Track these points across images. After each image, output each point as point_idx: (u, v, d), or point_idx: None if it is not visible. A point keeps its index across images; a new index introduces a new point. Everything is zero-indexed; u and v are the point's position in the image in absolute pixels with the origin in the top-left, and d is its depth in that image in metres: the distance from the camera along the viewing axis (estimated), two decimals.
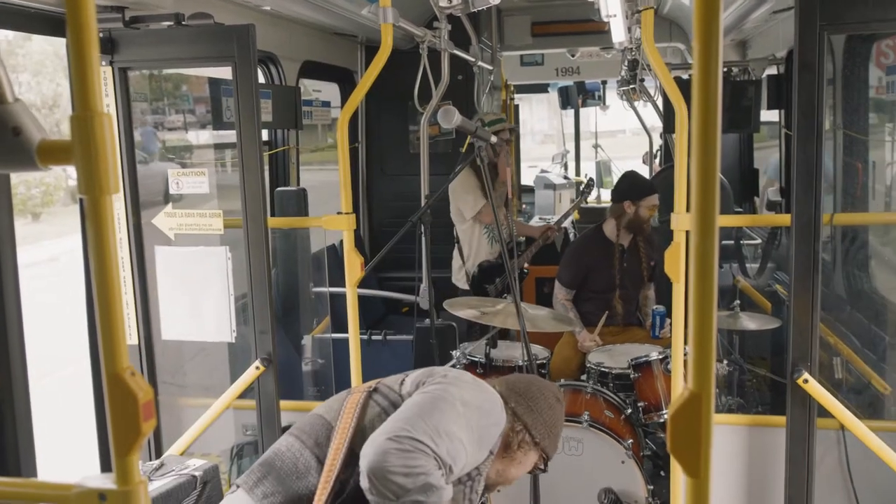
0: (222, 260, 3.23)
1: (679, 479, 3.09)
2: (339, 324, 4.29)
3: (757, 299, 4.92)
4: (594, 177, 9.15)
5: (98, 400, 3.25)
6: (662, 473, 3.78)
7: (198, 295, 3.29)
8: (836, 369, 3.55)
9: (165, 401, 3.53)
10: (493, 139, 3.32)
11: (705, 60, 0.72)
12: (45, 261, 11.70)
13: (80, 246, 3.19)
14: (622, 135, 19.72)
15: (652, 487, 3.41)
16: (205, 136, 4.71)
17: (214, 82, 4.17)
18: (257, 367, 3.18)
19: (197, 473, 2.65)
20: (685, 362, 3.03)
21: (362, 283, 3.38)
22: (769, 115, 5.65)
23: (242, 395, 3.26)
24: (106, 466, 3.26)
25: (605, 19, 3.81)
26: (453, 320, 3.90)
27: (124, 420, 0.82)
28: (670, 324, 4.06)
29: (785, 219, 3.17)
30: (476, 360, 3.78)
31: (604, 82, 10.09)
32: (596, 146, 11.26)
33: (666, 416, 3.70)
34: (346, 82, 5.86)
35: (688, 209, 2.95)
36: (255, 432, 3.35)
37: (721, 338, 4.34)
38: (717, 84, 0.72)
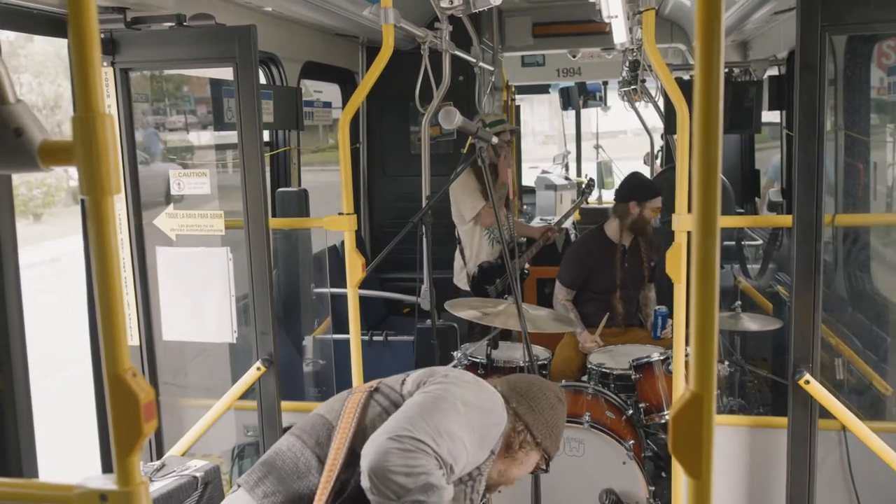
0: (223, 261, 3.23)
1: (680, 480, 3.09)
2: (341, 324, 4.28)
3: (758, 300, 4.91)
4: (595, 178, 9.14)
5: (99, 401, 3.26)
6: (664, 474, 3.78)
7: (199, 296, 3.29)
8: (838, 370, 3.54)
9: (167, 401, 3.53)
10: (495, 140, 3.32)
11: (707, 61, 0.72)
12: (47, 261, 11.70)
13: (82, 247, 3.20)
14: (623, 135, 19.71)
15: (653, 488, 3.41)
16: (206, 137, 4.72)
17: (216, 83, 4.17)
18: (258, 368, 3.18)
19: (198, 474, 2.65)
20: (686, 363, 3.04)
21: (363, 284, 3.38)
22: (770, 116, 5.65)
23: (243, 396, 3.26)
24: (107, 467, 3.26)
25: (607, 20, 3.80)
26: (454, 321, 3.90)
27: (126, 421, 0.82)
28: (671, 324, 4.05)
29: (786, 220, 3.17)
30: (477, 360, 3.79)
31: (605, 83, 10.08)
32: (597, 147, 11.25)
33: (667, 417, 3.69)
34: (348, 83, 5.86)
35: (689, 210, 2.95)
36: (257, 433, 3.35)
37: (722, 339, 4.34)
38: (718, 85, 0.72)
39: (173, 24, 3.05)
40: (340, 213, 3.27)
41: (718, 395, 4.00)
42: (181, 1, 3.22)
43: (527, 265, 5.09)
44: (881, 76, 4.11)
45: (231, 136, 3.97)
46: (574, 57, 7.92)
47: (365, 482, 1.89)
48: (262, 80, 4.55)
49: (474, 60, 5.58)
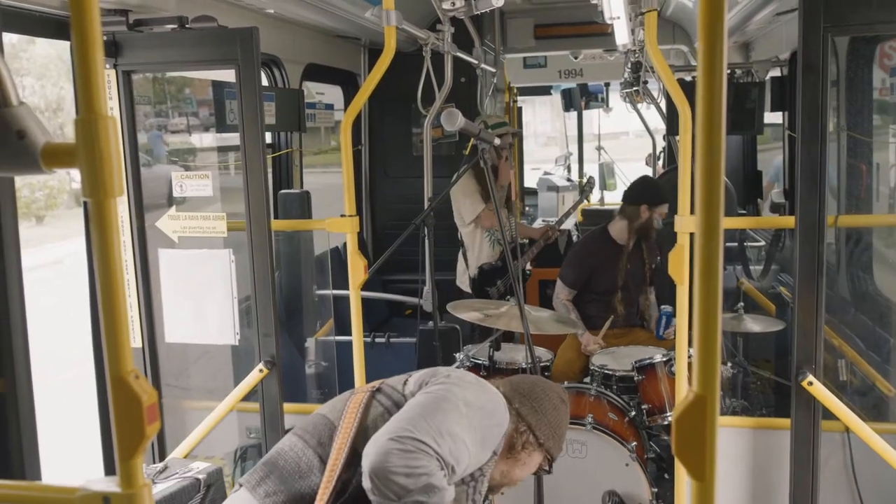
0: (226, 263, 3.23)
1: (683, 482, 3.09)
2: (343, 326, 4.29)
3: (761, 301, 4.91)
4: (596, 178, 9.13)
5: (102, 403, 3.26)
6: (666, 476, 3.78)
7: (201, 298, 3.29)
8: (841, 371, 3.53)
9: (169, 403, 3.53)
10: (497, 141, 3.32)
11: (710, 62, 0.72)
12: (49, 264, 11.72)
13: (84, 249, 3.20)
14: (625, 137, 19.72)
15: (656, 490, 3.41)
16: (208, 139, 4.72)
17: (218, 85, 4.17)
18: (261, 370, 3.18)
19: (201, 476, 2.65)
20: (689, 365, 3.03)
21: (365, 286, 3.38)
22: (773, 117, 5.64)
23: (246, 398, 3.26)
24: (110, 469, 3.26)
25: (609, 21, 3.80)
26: (457, 323, 3.90)
27: (128, 423, 0.82)
28: (676, 324, 4.05)
29: (789, 221, 3.16)
30: (479, 362, 3.78)
31: (607, 84, 10.08)
32: (599, 148, 11.25)
33: (670, 419, 3.70)
34: (350, 85, 5.86)
35: (692, 211, 2.95)
36: (259, 435, 3.35)
37: (725, 340, 4.33)
38: (721, 86, 0.72)
39: (175, 26, 3.05)
40: (342, 215, 3.27)
41: (721, 397, 4.00)
42: (183, 3, 3.23)
43: (528, 266, 5.09)
44: (883, 77, 4.11)
45: (233, 138, 3.97)
46: (576, 58, 7.91)
47: (366, 482, 1.89)
48: (265, 82, 4.56)
49: (476, 62, 5.58)
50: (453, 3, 3.73)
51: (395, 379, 2.23)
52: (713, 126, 0.73)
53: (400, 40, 3.30)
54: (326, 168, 6.35)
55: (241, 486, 2.11)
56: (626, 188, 5.00)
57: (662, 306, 4.40)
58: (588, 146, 11.95)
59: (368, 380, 3.20)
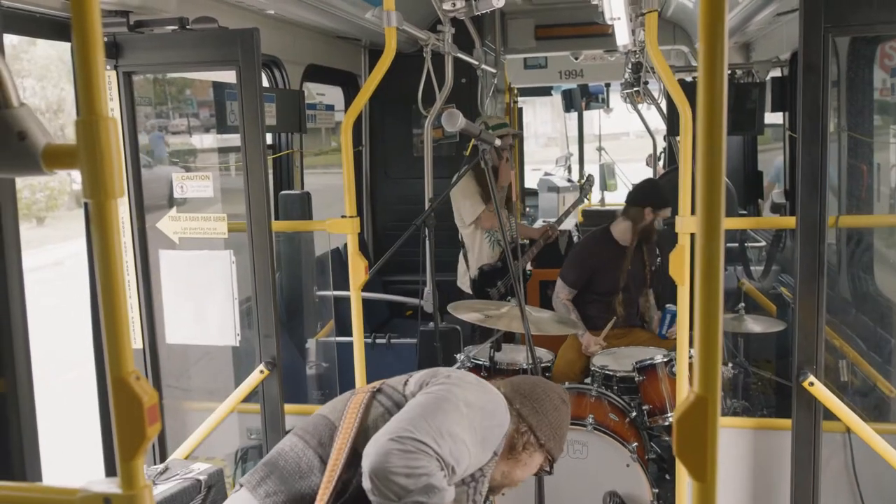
0: (226, 264, 3.23)
1: (684, 483, 3.08)
2: (343, 327, 4.29)
3: (762, 302, 4.90)
4: (597, 179, 9.13)
5: (103, 404, 3.26)
6: (667, 477, 3.77)
7: (202, 299, 3.29)
8: (842, 372, 3.53)
9: (170, 405, 3.53)
10: (498, 142, 3.32)
11: (710, 63, 0.72)
12: (50, 265, 11.72)
13: (85, 250, 3.20)
14: (626, 137, 19.73)
15: (657, 491, 3.41)
16: (209, 140, 4.72)
17: (218, 86, 4.18)
18: (261, 371, 3.18)
19: (201, 477, 2.65)
20: (690, 365, 3.03)
21: (366, 287, 3.38)
22: (773, 118, 5.64)
23: (247, 399, 3.26)
24: (111, 471, 3.26)
25: (609, 22, 3.80)
26: (457, 323, 3.90)
27: (129, 424, 0.82)
28: None
29: (790, 221, 3.16)
30: (480, 363, 3.78)
31: (607, 85, 10.09)
32: (599, 149, 11.25)
33: (671, 419, 3.70)
34: (350, 86, 5.86)
35: (692, 212, 2.95)
36: (260, 436, 3.35)
37: (726, 341, 4.33)
38: (722, 86, 0.72)
39: (176, 27, 3.05)
40: (343, 216, 3.27)
41: (722, 398, 3.98)
42: (184, 4, 3.23)
43: (529, 266, 5.09)
44: (884, 77, 4.11)
45: (234, 139, 3.98)
46: (576, 59, 7.91)
47: (366, 483, 1.89)
48: (265, 83, 4.56)
49: (477, 63, 5.58)
50: (454, 4, 3.73)
51: (396, 379, 2.23)
52: (714, 126, 0.73)
53: (400, 41, 3.30)
54: (327, 169, 6.35)
55: (241, 486, 2.11)
56: (630, 190, 5.00)
57: (667, 305, 4.40)
58: (589, 147, 11.96)
59: (369, 380, 3.20)
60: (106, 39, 3.06)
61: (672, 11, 6.19)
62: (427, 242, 3.20)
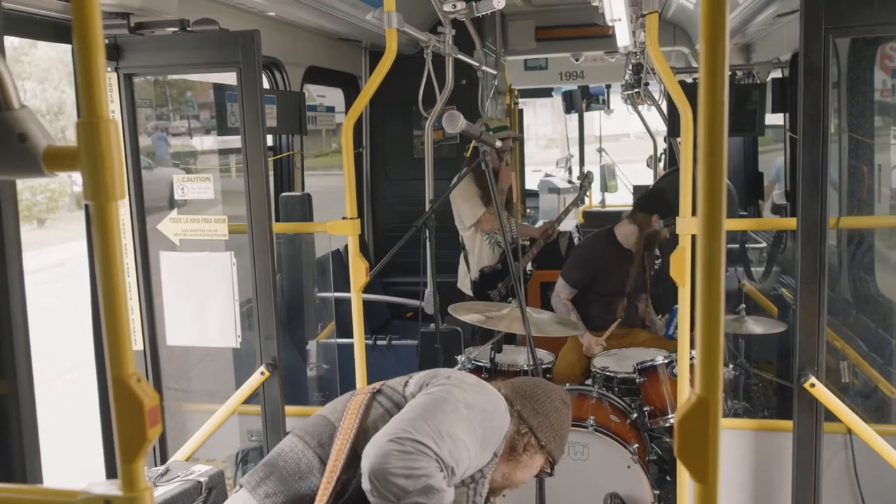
0: (227, 265, 3.24)
1: (685, 484, 3.08)
2: (344, 329, 4.28)
3: (763, 303, 4.90)
4: (596, 179, 9.13)
5: (104, 406, 3.26)
6: (668, 478, 3.77)
7: (203, 300, 3.29)
8: (843, 373, 3.53)
9: (170, 406, 3.53)
10: (498, 143, 3.32)
11: (711, 64, 0.72)
12: (51, 266, 11.73)
13: (86, 251, 3.20)
14: (626, 139, 19.75)
15: (658, 492, 3.40)
16: (209, 142, 4.72)
17: (219, 88, 4.18)
18: (262, 373, 3.18)
19: (202, 479, 2.65)
20: (692, 367, 3.03)
21: (367, 288, 3.38)
22: (774, 119, 5.64)
23: (247, 401, 3.26)
24: (111, 472, 3.26)
25: (610, 23, 3.80)
26: (458, 325, 3.90)
27: (130, 426, 0.82)
28: None
29: (791, 222, 3.16)
30: (481, 364, 3.78)
31: (608, 86, 10.09)
32: (600, 150, 11.26)
33: (672, 421, 3.70)
34: (351, 87, 5.87)
35: (693, 213, 2.95)
36: (261, 438, 3.35)
37: (727, 342, 4.33)
38: (723, 87, 0.72)
39: (177, 29, 3.05)
40: (344, 218, 3.27)
41: (723, 399, 3.99)
42: (184, 6, 3.23)
43: (529, 266, 5.08)
44: (884, 78, 4.11)
45: (234, 141, 3.98)
46: (577, 60, 7.92)
47: (365, 484, 1.89)
48: (266, 85, 4.56)
49: (477, 64, 5.58)
50: (454, 6, 3.74)
51: (396, 380, 2.23)
52: (715, 127, 0.73)
53: (401, 43, 3.30)
54: (327, 170, 6.36)
55: (241, 486, 2.11)
56: (641, 195, 4.98)
57: (675, 306, 4.40)
58: (589, 148, 11.97)
59: (370, 382, 3.20)
60: (107, 41, 3.06)
61: (672, 13, 6.19)
62: (428, 244, 3.20)
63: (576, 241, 6.86)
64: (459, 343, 4.09)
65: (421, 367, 3.68)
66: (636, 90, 7.50)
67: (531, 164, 13.26)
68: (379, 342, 4.52)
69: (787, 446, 2.99)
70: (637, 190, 9.25)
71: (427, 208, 3.51)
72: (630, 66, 7.08)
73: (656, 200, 4.55)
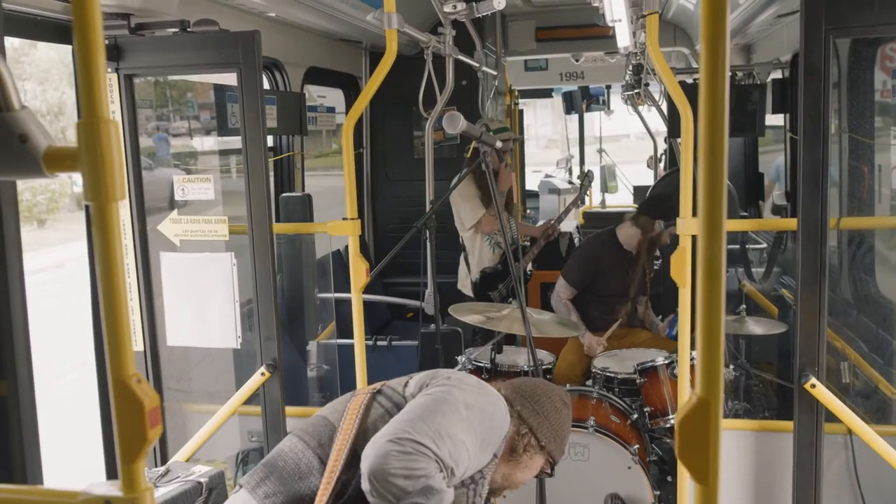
0: (227, 266, 3.24)
1: (686, 485, 3.08)
2: (345, 329, 4.28)
3: (763, 304, 4.90)
4: (597, 178, 9.12)
5: (104, 407, 3.26)
6: (669, 479, 3.77)
7: (203, 301, 3.29)
8: (844, 374, 3.53)
9: (171, 407, 3.53)
10: (499, 144, 3.31)
11: (712, 64, 0.72)
12: (51, 267, 11.73)
13: (86, 252, 3.20)
14: (626, 139, 19.75)
15: (658, 493, 3.40)
16: (210, 143, 4.72)
17: (219, 88, 4.18)
18: (263, 374, 3.18)
19: (202, 480, 2.65)
20: (692, 368, 3.03)
21: (367, 289, 3.38)
22: (774, 120, 5.64)
23: (248, 402, 3.26)
24: (112, 473, 3.26)
25: (610, 24, 3.80)
26: (459, 326, 3.90)
27: (130, 427, 0.82)
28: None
29: (791, 223, 3.16)
30: (481, 365, 3.78)
31: (608, 87, 10.09)
32: (600, 151, 11.25)
33: (672, 421, 3.69)
34: (351, 88, 5.87)
35: (694, 213, 2.95)
36: (261, 438, 3.35)
37: (727, 343, 4.33)
38: (723, 88, 0.72)
39: (177, 29, 3.05)
40: (344, 218, 3.27)
41: (724, 400, 3.98)
42: (185, 7, 3.23)
43: (530, 267, 5.08)
44: (885, 79, 4.11)
45: (235, 142, 3.98)
46: (577, 61, 7.92)
47: (365, 484, 1.89)
48: (266, 86, 4.56)
49: (477, 65, 5.58)
50: (454, 6, 3.74)
51: (396, 381, 2.23)
52: (716, 128, 0.73)
53: (401, 43, 3.30)
54: (328, 171, 6.36)
55: (241, 486, 2.11)
56: (645, 199, 4.97)
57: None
58: (589, 149, 11.96)
59: (370, 382, 3.20)
60: (107, 42, 3.06)
61: (673, 13, 6.19)
62: (428, 244, 3.19)
63: (576, 241, 6.86)
64: (460, 344, 4.09)
65: (421, 368, 3.68)
66: (636, 91, 7.50)
67: (531, 164, 13.27)
68: (379, 343, 4.52)
69: (788, 447, 2.99)
70: (637, 191, 9.25)
71: (427, 209, 3.51)
72: (630, 67, 7.08)
73: (662, 206, 4.52)
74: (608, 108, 10.51)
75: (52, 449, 2.87)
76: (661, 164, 8.41)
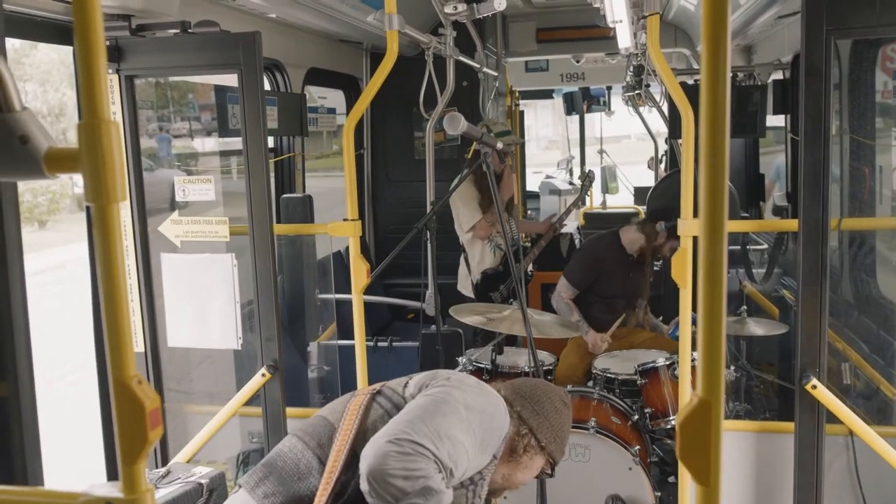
0: (228, 267, 3.24)
1: (687, 486, 3.08)
2: (345, 330, 4.28)
3: (764, 305, 4.90)
4: (597, 178, 9.12)
5: (105, 408, 3.26)
6: (670, 480, 3.77)
7: (204, 302, 3.29)
8: (845, 375, 3.53)
9: (171, 408, 3.53)
10: (499, 145, 3.31)
11: (713, 65, 0.72)
12: (52, 268, 11.74)
13: (87, 253, 3.20)
14: (627, 140, 19.76)
15: (659, 494, 3.40)
16: (210, 144, 4.73)
17: (220, 89, 4.18)
18: (263, 375, 3.18)
19: (203, 481, 2.65)
20: (693, 369, 3.03)
21: (368, 290, 3.38)
22: (775, 120, 5.64)
23: (248, 403, 3.26)
24: (112, 474, 3.26)
25: (611, 25, 3.80)
26: (459, 327, 3.90)
27: (131, 428, 0.82)
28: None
29: (792, 224, 3.16)
30: (482, 366, 3.78)
31: (609, 88, 10.09)
32: (601, 152, 11.26)
33: (673, 422, 3.69)
34: (352, 89, 5.87)
35: (695, 214, 2.94)
36: (262, 439, 3.35)
37: (728, 344, 4.32)
38: (724, 89, 0.72)
39: (178, 30, 3.06)
40: (345, 219, 3.27)
41: (724, 401, 3.98)
42: (186, 8, 3.23)
43: (530, 267, 5.07)
44: (885, 80, 4.11)
45: (236, 143, 3.98)
46: (578, 62, 7.92)
47: (364, 485, 1.88)
48: (267, 87, 4.56)
49: (478, 66, 5.58)
50: (455, 7, 3.74)
51: (396, 381, 2.23)
52: (717, 129, 0.73)
53: (402, 44, 3.30)
54: (328, 172, 6.36)
55: (240, 486, 2.11)
56: (653, 207, 4.95)
57: None
58: (590, 150, 11.97)
59: (371, 384, 3.20)
60: (108, 43, 3.06)
61: (673, 14, 6.19)
62: (429, 245, 3.19)
63: (577, 242, 6.85)
64: (460, 345, 4.08)
65: (422, 369, 3.67)
66: (637, 92, 7.50)
67: (532, 165, 13.26)
68: (380, 344, 4.52)
69: (789, 448, 2.98)
70: (638, 192, 9.25)
71: (428, 210, 3.51)
72: (631, 68, 7.08)
73: (672, 216, 4.50)
74: (609, 109, 10.51)
75: (53, 450, 2.87)
76: (662, 166, 8.41)
